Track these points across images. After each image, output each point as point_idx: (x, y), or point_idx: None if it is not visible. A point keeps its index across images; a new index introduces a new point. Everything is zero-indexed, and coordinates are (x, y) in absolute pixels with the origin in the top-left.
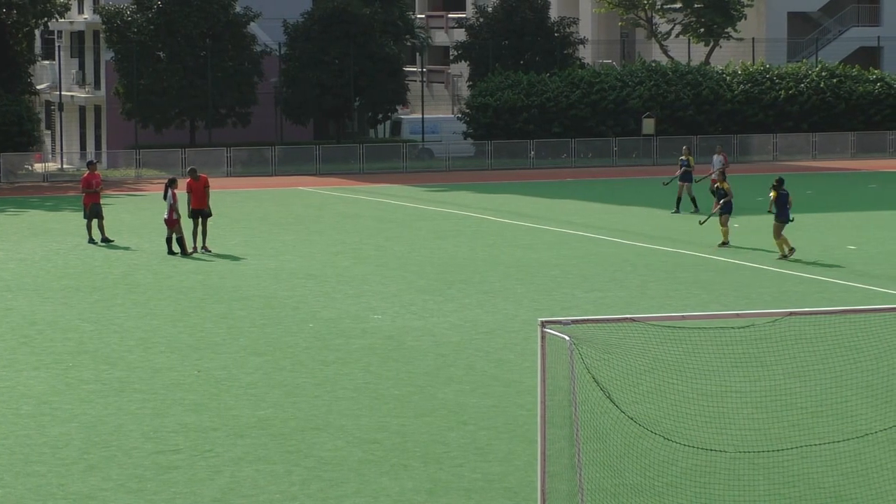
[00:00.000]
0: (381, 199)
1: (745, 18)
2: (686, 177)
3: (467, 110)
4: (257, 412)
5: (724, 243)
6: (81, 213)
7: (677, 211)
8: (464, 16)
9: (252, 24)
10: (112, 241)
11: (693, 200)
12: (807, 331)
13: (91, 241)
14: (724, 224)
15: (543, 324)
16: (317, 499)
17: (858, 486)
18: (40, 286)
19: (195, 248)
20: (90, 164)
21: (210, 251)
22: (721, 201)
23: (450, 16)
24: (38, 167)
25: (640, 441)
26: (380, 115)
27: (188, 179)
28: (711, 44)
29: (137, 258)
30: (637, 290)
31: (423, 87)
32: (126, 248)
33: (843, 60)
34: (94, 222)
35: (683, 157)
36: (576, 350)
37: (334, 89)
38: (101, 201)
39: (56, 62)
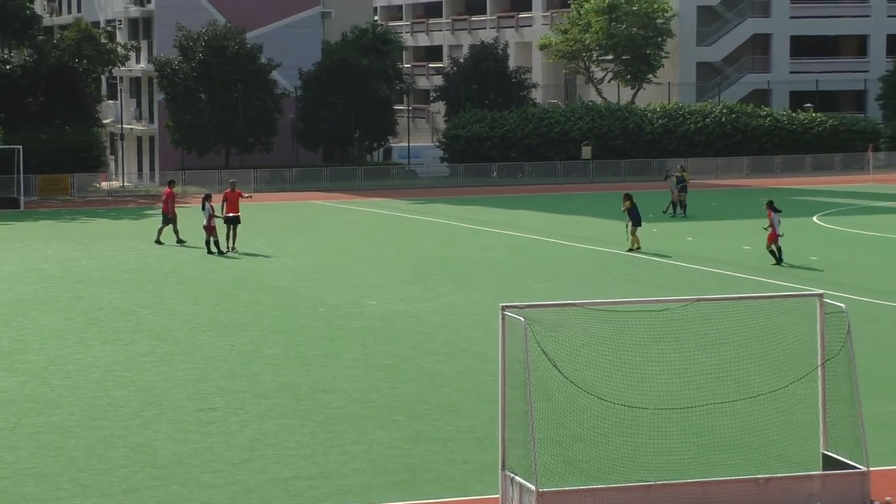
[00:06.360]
0: (375, 210)
1: (663, 66)
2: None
3: (444, 140)
4: (278, 378)
5: (635, 248)
6: (149, 220)
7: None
8: (441, 65)
9: (274, 71)
10: (185, 241)
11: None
12: (711, 313)
13: (158, 241)
14: (633, 233)
15: (503, 308)
16: (325, 446)
17: (752, 435)
18: (106, 279)
19: (228, 249)
20: (170, 183)
21: (237, 251)
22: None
23: (430, 65)
24: (104, 185)
25: (580, 400)
26: (375, 144)
27: (227, 190)
28: (636, 87)
29: (183, 257)
30: (577, 282)
31: (409, 121)
32: (174, 249)
33: (741, 100)
34: (168, 227)
35: (678, 174)
36: (529, 328)
37: (339, 123)
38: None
39: (118, 101)
